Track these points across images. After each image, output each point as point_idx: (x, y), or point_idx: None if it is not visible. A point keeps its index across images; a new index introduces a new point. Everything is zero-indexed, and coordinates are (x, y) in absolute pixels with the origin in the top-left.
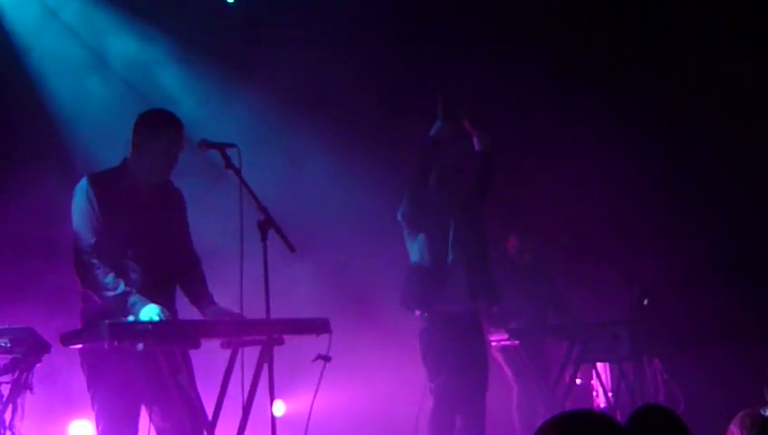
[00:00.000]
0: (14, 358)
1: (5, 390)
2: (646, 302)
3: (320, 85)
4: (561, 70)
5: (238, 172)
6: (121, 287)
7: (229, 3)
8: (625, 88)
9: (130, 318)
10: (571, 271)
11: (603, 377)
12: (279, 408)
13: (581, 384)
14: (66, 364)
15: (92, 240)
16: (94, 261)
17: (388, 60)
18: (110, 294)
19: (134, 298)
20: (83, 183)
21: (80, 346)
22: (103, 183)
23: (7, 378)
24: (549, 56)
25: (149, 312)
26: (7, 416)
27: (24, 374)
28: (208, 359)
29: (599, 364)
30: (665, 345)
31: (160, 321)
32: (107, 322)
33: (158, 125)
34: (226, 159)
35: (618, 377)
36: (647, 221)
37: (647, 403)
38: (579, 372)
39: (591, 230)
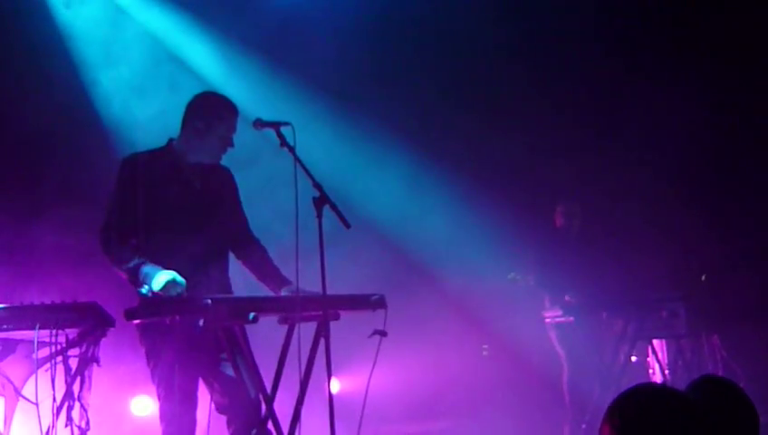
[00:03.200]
0: (82, 331)
1: (73, 363)
2: (704, 277)
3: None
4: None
5: (293, 150)
6: (135, 260)
7: None
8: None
9: (144, 289)
10: (624, 244)
11: (660, 354)
12: (334, 385)
13: (637, 362)
14: (129, 339)
15: (114, 217)
16: (113, 237)
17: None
18: (125, 266)
19: (146, 268)
20: (124, 161)
21: (140, 321)
22: (145, 161)
23: (75, 351)
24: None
25: (161, 277)
26: (76, 388)
27: (91, 347)
28: (266, 334)
29: (655, 341)
30: (724, 321)
31: (219, 297)
32: (167, 297)
33: (216, 109)
34: (281, 136)
35: (675, 354)
36: (705, 196)
37: (706, 374)
38: (634, 350)
39: (648, 205)
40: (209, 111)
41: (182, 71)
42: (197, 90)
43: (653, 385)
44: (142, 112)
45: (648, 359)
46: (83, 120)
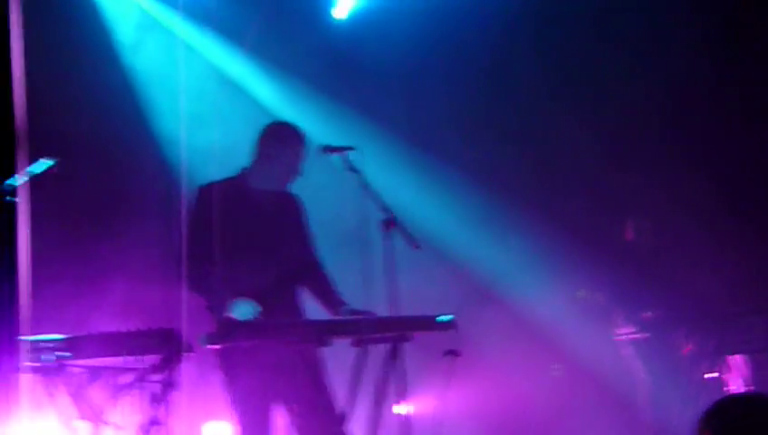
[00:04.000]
0: (165, 357)
1: (154, 389)
2: None
3: None
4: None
5: (360, 174)
6: (221, 293)
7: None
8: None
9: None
10: (699, 258)
11: (739, 370)
12: (407, 408)
13: (714, 378)
14: (201, 365)
15: (195, 247)
16: (197, 266)
17: None
18: (212, 298)
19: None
20: (199, 190)
21: (218, 347)
22: (218, 191)
23: (157, 377)
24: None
25: (241, 306)
26: (159, 413)
27: (171, 374)
28: (338, 357)
29: (734, 356)
30: None
31: (295, 320)
32: (244, 321)
33: (286, 138)
34: (348, 162)
35: (755, 370)
36: None
37: None
38: (714, 365)
39: (722, 217)
40: (276, 139)
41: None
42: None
43: (746, 393)
44: (201, 141)
45: (726, 375)
46: (144, 144)
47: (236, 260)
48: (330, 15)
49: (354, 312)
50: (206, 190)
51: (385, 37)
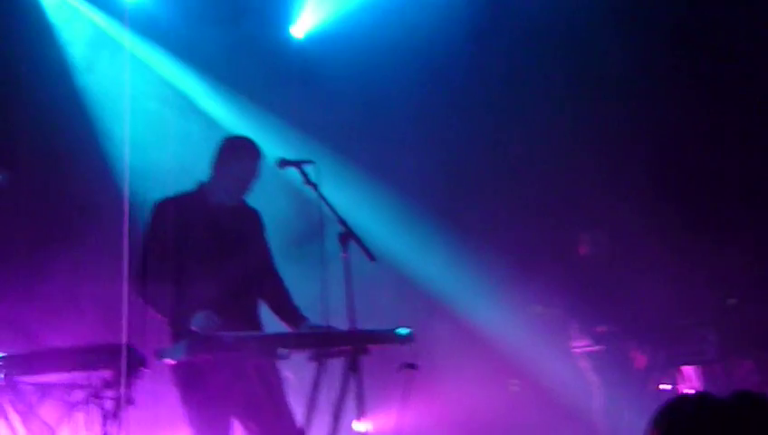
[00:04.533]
0: (116, 372)
1: (108, 405)
2: (732, 301)
3: None
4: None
5: (317, 188)
6: (175, 308)
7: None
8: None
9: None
10: (651, 270)
11: (692, 381)
12: (364, 426)
13: (670, 389)
14: (156, 380)
15: (150, 262)
16: (151, 281)
17: None
18: (167, 313)
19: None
20: (155, 206)
21: (173, 362)
22: (177, 205)
23: (110, 393)
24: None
25: (198, 317)
26: (113, 430)
27: (126, 389)
28: (293, 371)
29: (686, 368)
30: (757, 346)
31: (250, 334)
32: (198, 335)
33: (242, 151)
34: (305, 174)
35: (706, 380)
36: (730, 218)
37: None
38: (665, 376)
39: (673, 230)
40: (232, 152)
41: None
42: None
43: (696, 394)
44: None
45: (679, 386)
46: (93, 166)
47: (195, 274)
48: (287, 33)
49: (314, 327)
50: (162, 205)
51: (340, 57)
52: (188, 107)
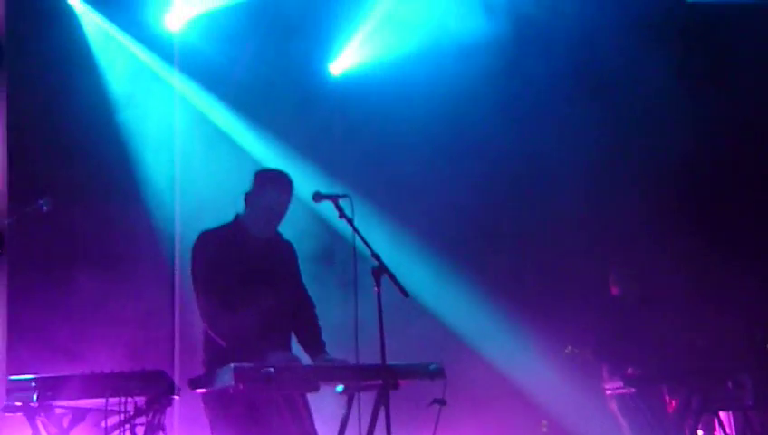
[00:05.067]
0: (149, 399)
1: (140, 431)
2: None
3: None
4: None
5: (351, 222)
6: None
7: None
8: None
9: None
10: (687, 313)
11: (727, 428)
12: None
13: None
14: (190, 407)
15: (216, 287)
16: (222, 308)
17: None
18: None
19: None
20: (200, 238)
21: (204, 390)
22: (217, 238)
23: (142, 419)
24: None
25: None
26: None
27: (158, 416)
28: (324, 403)
29: (722, 414)
30: None
31: (281, 365)
32: (232, 365)
33: (267, 182)
34: (339, 209)
35: (742, 427)
36: (766, 262)
37: None
38: (700, 423)
39: (709, 272)
40: (262, 184)
41: None
42: None
43: None
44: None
45: (716, 433)
46: (133, 191)
47: (238, 308)
48: (324, 71)
49: (331, 361)
50: (209, 236)
51: (370, 98)
52: (222, 139)
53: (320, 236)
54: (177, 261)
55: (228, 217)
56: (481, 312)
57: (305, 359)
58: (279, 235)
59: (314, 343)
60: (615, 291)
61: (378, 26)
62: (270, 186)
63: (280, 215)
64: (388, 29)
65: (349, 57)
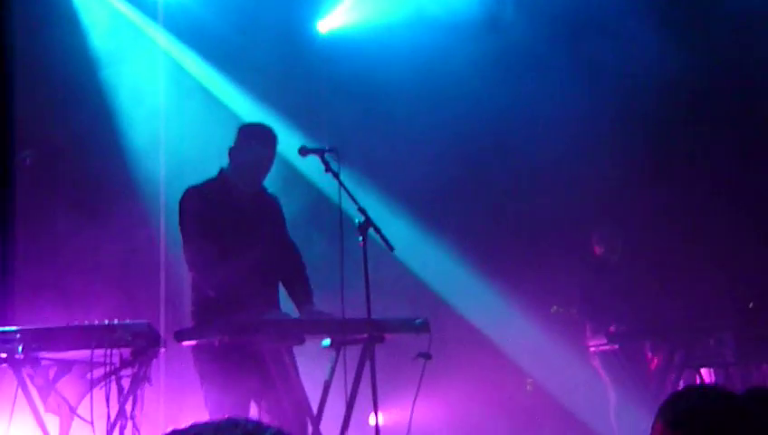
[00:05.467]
0: (134, 351)
1: (125, 383)
2: (751, 305)
3: None
4: None
5: (337, 175)
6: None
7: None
8: None
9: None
10: (670, 270)
11: (708, 383)
12: (378, 418)
13: None
14: (177, 358)
15: (205, 245)
16: (212, 258)
17: None
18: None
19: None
20: (186, 193)
21: (193, 343)
22: (203, 192)
23: (128, 371)
24: None
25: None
26: (128, 407)
27: (144, 367)
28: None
29: (703, 370)
30: None
31: (266, 318)
32: (219, 319)
33: (252, 136)
34: (326, 163)
35: (723, 383)
36: (752, 221)
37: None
38: (682, 378)
39: (692, 229)
40: (246, 139)
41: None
42: None
43: (705, 385)
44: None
45: None
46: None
47: (227, 259)
48: (312, 27)
49: (317, 312)
50: (195, 190)
51: (354, 61)
52: (205, 96)
53: (303, 193)
54: (162, 217)
55: (212, 172)
56: (462, 270)
57: (293, 313)
58: (264, 189)
59: (302, 290)
60: (598, 250)
61: None
62: (255, 140)
63: (265, 169)
64: None
65: (338, 17)
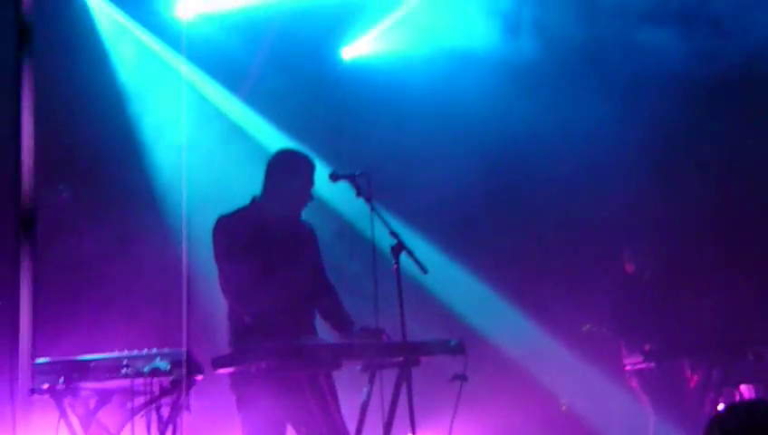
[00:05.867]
0: (174, 380)
1: (165, 411)
2: None
3: None
4: None
5: (369, 200)
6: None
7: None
8: None
9: None
10: (705, 285)
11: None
12: None
13: None
14: (215, 385)
15: (242, 267)
16: (249, 286)
17: None
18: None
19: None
20: (218, 223)
21: (230, 370)
22: (237, 220)
23: (167, 399)
24: None
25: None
26: None
27: (182, 395)
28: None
29: (742, 386)
30: None
31: (302, 343)
32: (256, 344)
33: (296, 164)
34: (357, 187)
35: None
36: None
37: None
38: (721, 396)
39: (725, 243)
40: (287, 167)
41: None
42: None
43: (753, 401)
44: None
45: None
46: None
47: (263, 287)
48: (336, 56)
49: (364, 329)
50: (228, 219)
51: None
52: (226, 124)
53: (334, 218)
54: (184, 250)
55: (236, 202)
56: (492, 292)
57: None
58: (299, 217)
59: (343, 322)
60: (629, 268)
61: (398, 24)
62: (298, 166)
63: (307, 196)
64: (407, 29)
65: (363, 46)
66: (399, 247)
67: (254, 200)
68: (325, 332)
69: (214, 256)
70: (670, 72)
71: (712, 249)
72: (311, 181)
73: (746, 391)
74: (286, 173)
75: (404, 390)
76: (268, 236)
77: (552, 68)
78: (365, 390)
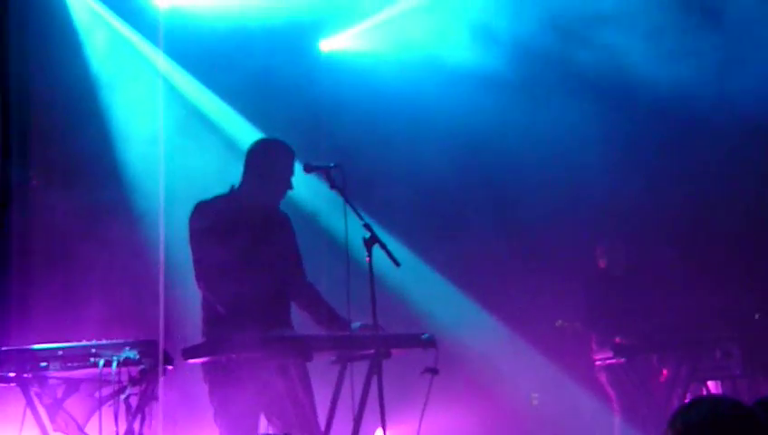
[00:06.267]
0: (143, 369)
1: (133, 401)
2: (757, 316)
3: None
4: None
5: (342, 191)
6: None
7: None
8: None
9: None
10: (675, 283)
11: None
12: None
13: None
14: (186, 375)
15: (216, 255)
16: (222, 274)
17: None
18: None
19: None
20: (195, 209)
21: (200, 361)
22: (214, 207)
23: (136, 389)
24: None
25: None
26: (137, 425)
27: (152, 385)
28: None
29: (710, 383)
30: None
31: (273, 335)
32: (225, 336)
33: (277, 153)
34: (331, 179)
35: (731, 396)
36: (760, 231)
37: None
38: (689, 392)
39: (697, 241)
40: (267, 154)
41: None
42: None
43: (715, 395)
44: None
45: None
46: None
47: (237, 275)
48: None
49: (364, 327)
50: (205, 205)
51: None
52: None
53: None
54: (161, 240)
55: (212, 192)
56: (463, 286)
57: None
58: (276, 207)
59: (326, 313)
60: (602, 264)
61: (381, 24)
62: (279, 152)
63: (288, 182)
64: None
65: (341, 41)
66: (372, 240)
67: (232, 188)
68: (307, 325)
69: (189, 243)
70: (638, 74)
71: (684, 247)
72: (290, 169)
73: (713, 387)
74: (266, 160)
75: (374, 382)
76: (244, 222)
77: (521, 71)
78: (336, 382)
